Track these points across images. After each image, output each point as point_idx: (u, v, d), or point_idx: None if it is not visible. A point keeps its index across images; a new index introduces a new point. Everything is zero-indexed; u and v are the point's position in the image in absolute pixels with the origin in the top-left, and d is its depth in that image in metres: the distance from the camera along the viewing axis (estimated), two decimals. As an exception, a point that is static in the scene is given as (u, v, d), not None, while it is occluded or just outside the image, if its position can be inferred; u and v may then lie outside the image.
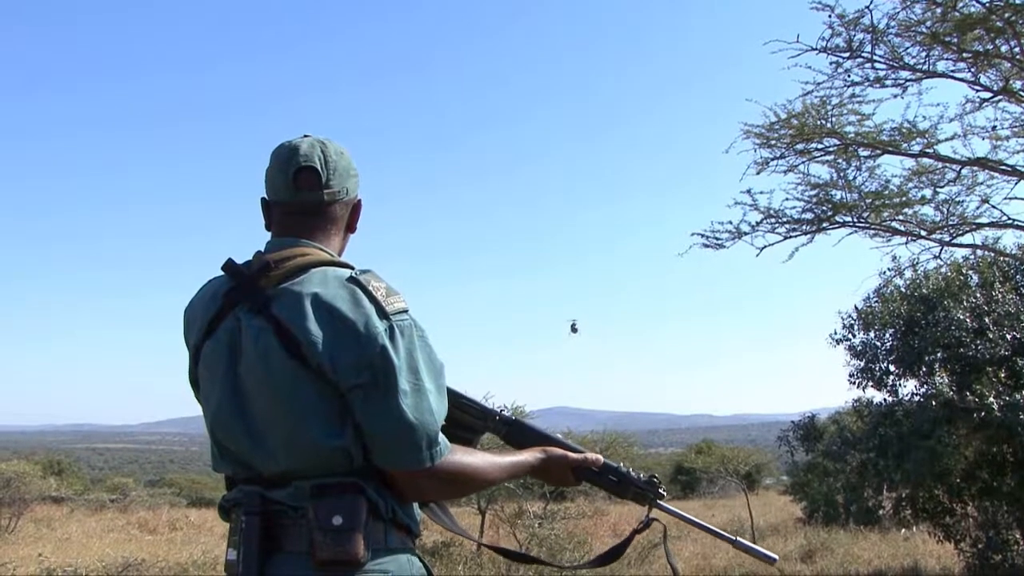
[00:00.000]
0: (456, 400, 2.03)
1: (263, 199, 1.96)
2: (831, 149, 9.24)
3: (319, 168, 1.88)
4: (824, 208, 9.37)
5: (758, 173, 9.37)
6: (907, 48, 8.28)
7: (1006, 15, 7.56)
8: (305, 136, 1.95)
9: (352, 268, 1.82)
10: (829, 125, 9.00)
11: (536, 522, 11.78)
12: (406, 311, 1.78)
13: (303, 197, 1.89)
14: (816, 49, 8.30)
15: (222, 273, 1.87)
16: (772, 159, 9.31)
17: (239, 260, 1.87)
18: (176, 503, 27.50)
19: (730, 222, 9.46)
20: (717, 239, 9.49)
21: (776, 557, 2.19)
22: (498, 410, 2.16)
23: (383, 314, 1.73)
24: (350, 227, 2.01)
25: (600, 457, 2.13)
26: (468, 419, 2.10)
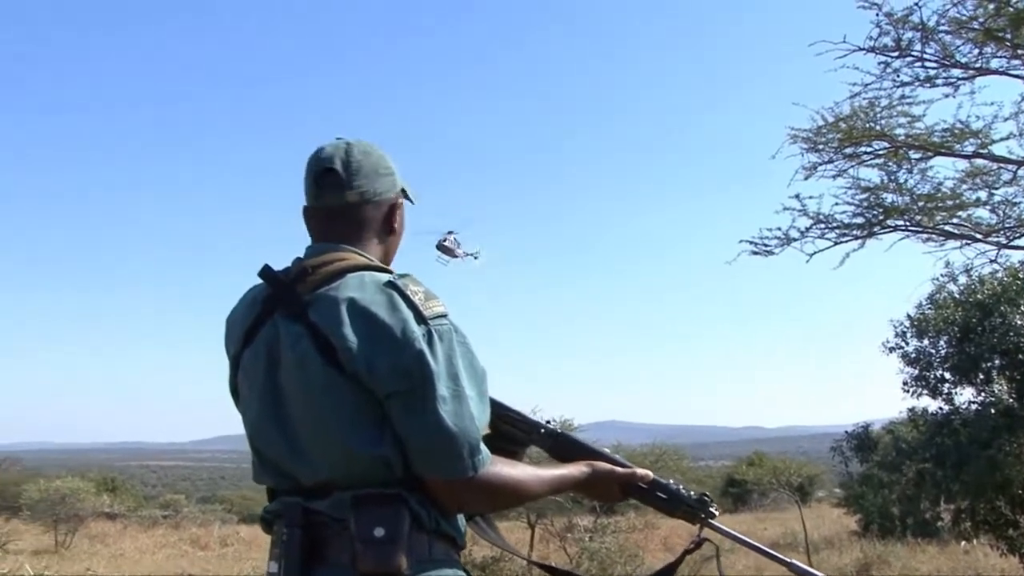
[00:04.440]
0: (500, 411, 1.97)
1: (304, 207, 1.93)
2: (881, 152, 9.07)
3: (340, 170, 1.84)
4: (875, 212, 9.19)
5: (806, 178, 9.22)
6: (958, 46, 8.10)
7: (1063, 9, 7.37)
8: (337, 139, 1.91)
9: (390, 272, 1.77)
10: (878, 127, 8.83)
11: (587, 536, 11.69)
12: (445, 315, 1.72)
13: (328, 200, 1.87)
14: (864, 49, 8.15)
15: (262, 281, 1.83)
16: (820, 164, 9.16)
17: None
18: (227, 519, 27.74)
19: (779, 228, 9.30)
20: (766, 246, 9.34)
21: None
22: (544, 422, 2.10)
23: (421, 319, 1.68)
24: (389, 230, 1.94)
25: (649, 473, 2.04)
26: (512, 431, 2.04)
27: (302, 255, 1.86)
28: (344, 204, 1.86)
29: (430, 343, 1.67)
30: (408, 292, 1.70)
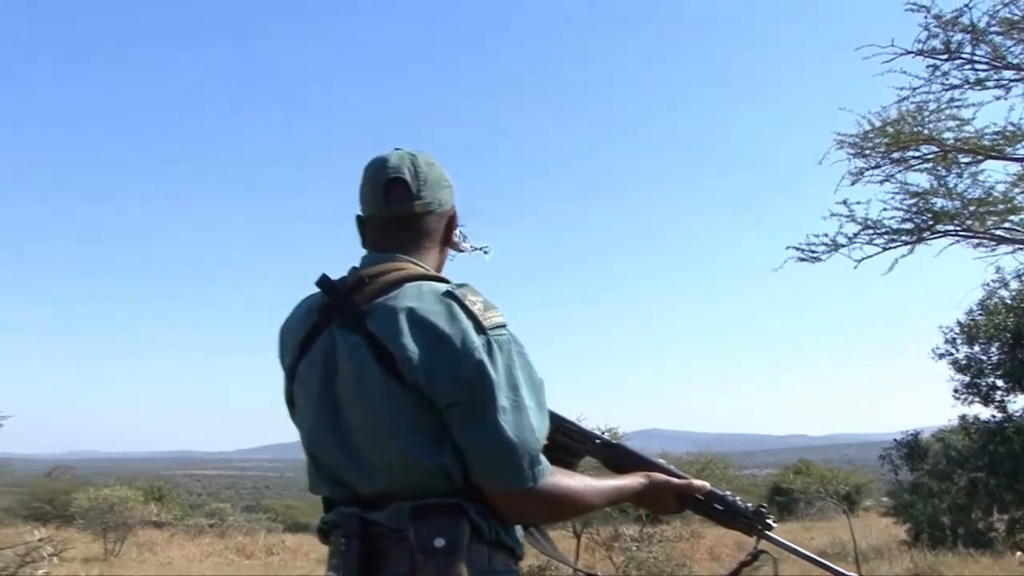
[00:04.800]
0: (555, 422, 1.94)
1: (358, 216, 1.92)
2: (929, 156, 8.94)
3: (408, 179, 1.83)
4: (925, 217, 9.06)
5: (853, 184, 9.11)
6: (1010, 47, 7.97)
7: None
8: (396, 149, 1.90)
9: (448, 282, 1.76)
10: (926, 131, 8.70)
11: (633, 545, 11.61)
12: (504, 326, 1.71)
13: (394, 210, 1.84)
14: (912, 52, 8.04)
15: (317, 290, 1.83)
16: (867, 169, 9.05)
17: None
18: (272, 528, 27.92)
19: (826, 234, 9.20)
20: (813, 252, 9.24)
21: None
22: (598, 433, 2.08)
23: (480, 329, 1.67)
24: (447, 240, 1.96)
25: (706, 484, 2.02)
26: (567, 442, 2.01)
27: (357, 264, 1.85)
28: (410, 214, 1.85)
29: (490, 353, 1.66)
30: (467, 302, 1.69)
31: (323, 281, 1.81)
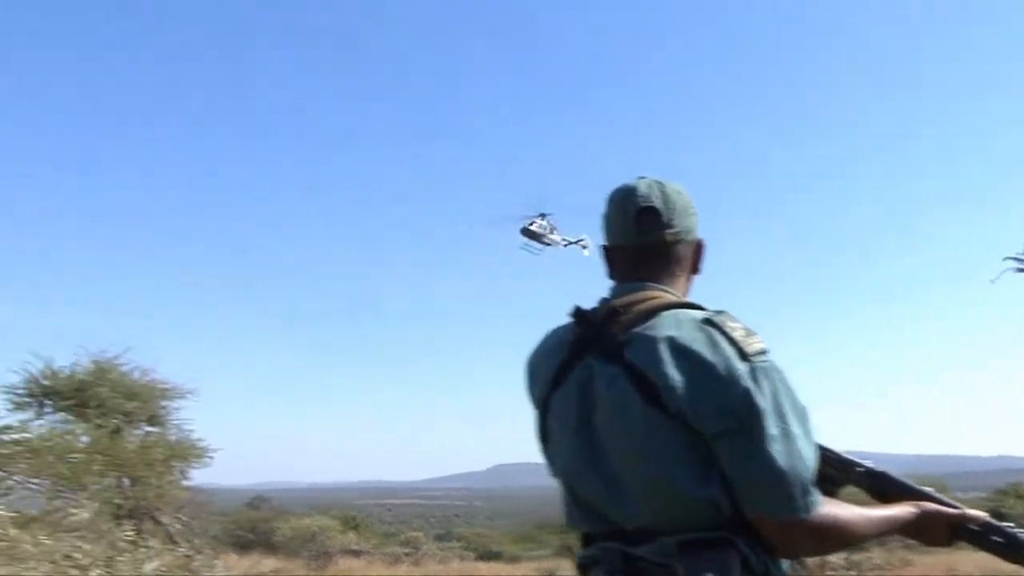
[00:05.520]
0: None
1: (603, 246, 1.91)
2: None
3: (660, 208, 1.81)
4: None
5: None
6: None
7: None
8: (640, 178, 1.89)
9: (704, 309, 1.73)
10: None
11: (842, 573, 11.22)
12: (766, 352, 1.66)
13: (646, 239, 1.82)
14: None
15: (567, 322, 1.83)
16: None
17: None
18: (465, 556, 28.30)
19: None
20: (1034, 262, 8.68)
21: None
22: (860, 461, 1.99)
23: (743, 356, 1.62)
24: (694, 268, 1.92)
25: (982, 514, 1.88)
26: (828, 470, 1.92)
27: (607, 295, 1.84)
28: (663, 242, 1.83)
29: (755, 381, 1.61)
30: (727, 329, 1.66)
31: (577, 312, 1.81)
